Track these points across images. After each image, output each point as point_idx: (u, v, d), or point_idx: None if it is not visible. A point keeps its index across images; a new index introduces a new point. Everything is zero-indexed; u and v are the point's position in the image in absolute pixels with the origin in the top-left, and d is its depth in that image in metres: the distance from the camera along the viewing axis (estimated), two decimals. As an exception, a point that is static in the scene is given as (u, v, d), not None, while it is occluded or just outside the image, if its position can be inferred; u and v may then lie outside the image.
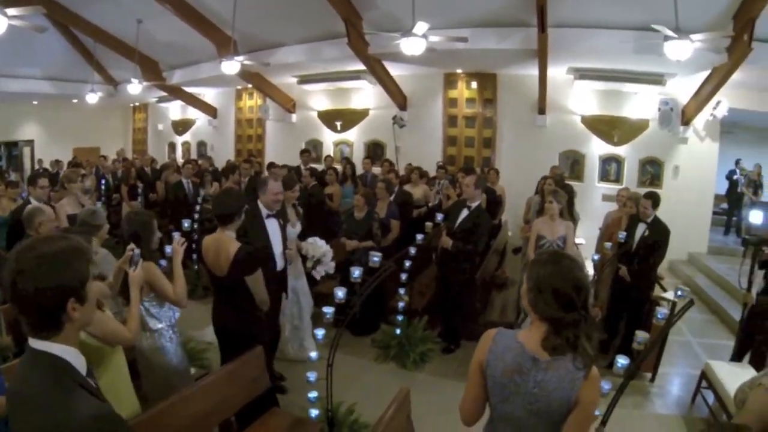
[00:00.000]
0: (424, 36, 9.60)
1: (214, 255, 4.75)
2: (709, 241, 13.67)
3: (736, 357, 6.50)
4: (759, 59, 10.21)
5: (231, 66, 11.72)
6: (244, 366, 4.55)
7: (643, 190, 11.33)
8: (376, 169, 12.32)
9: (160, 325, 4.37)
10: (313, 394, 4.80)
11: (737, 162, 15.67)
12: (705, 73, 11.64)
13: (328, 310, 5.00)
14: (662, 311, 4.13)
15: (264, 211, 5.96)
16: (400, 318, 7.18)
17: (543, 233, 6.98)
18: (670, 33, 8.83)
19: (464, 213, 7.16)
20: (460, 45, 10.44)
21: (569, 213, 7.72)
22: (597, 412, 3.87)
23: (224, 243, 4.71)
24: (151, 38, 14.59)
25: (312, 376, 4.80)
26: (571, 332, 2.40)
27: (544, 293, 2.43)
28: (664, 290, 7.33)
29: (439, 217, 7.41)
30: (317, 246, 6.61)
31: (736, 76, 10.99)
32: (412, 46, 9.72)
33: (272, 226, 6.02)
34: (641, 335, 4.10)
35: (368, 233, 7.75)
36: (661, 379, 7.20)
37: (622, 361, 4.13)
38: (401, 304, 7.09)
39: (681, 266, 12.83)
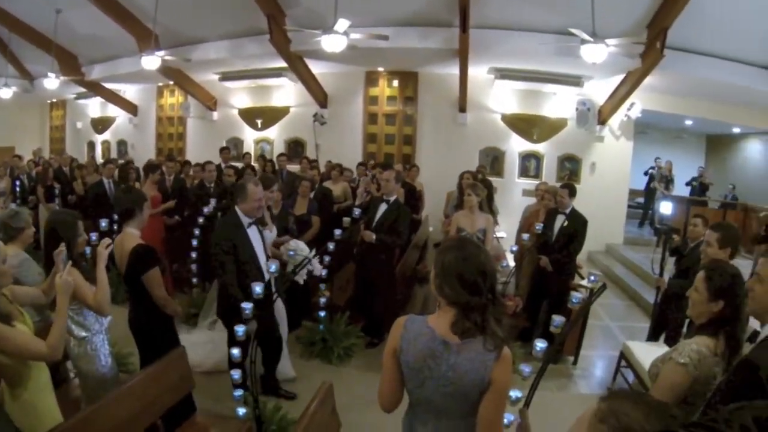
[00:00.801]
0: (345, 33, 9.59)
1: (119, 254, 4.56)
2: (625, 232, 14.41)
3: (652, 337, 6.88)
4: (670, 65, 10.92)
5: (151, 61, 11.40)
6: (166, 367, 4.34)
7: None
8: (294, 167, 12.20)
9: (84, 334, 4.10)
10: (238, 393, 4.67)
11: (656, 159, 16.43)
12: (620, 77, 12.30)
13: (247, 306, 4.94)
14: (577, 296, 4.22)
15: (245, 220, 5.43)
16: (322, 314, 7.12)
17: (462, 226, 7.01)
18: (586, 37, 9.15)
19: (383, 207, 7.16)
20: (382, 43, 10.49)
21: (488, 207, 7.83)
22: (519, 394, 3.96)
23: (125, 240, 4.53)
24: (70, 30, 13.81)
25: (236, 374, 4.66)
26: (479, 315, 2.45)
27: (450, 278, 2.48)
28: (582, 278, 7.58)
29: (357, 212, 7.42)
30: (300, 249, 6.22)
31: (649, 80, 11.69)
32: (333, 43, 9.67)
33: (254, 235, 5.52)
34: (557, 319, 4.18)
35: (284, 229, 7.71)
36: (584, 361, 7.48)
37: (540, 344, 4.19)
38: (323, 300, 7.01)
39: (599, 257, 13.44)
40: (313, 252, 6.25)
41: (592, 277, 4.37)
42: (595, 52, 9.38)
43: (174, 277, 8.94)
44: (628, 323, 9.27)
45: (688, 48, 11.37)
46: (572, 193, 7.43)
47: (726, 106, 14.07)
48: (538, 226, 7.23)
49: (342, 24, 9.41)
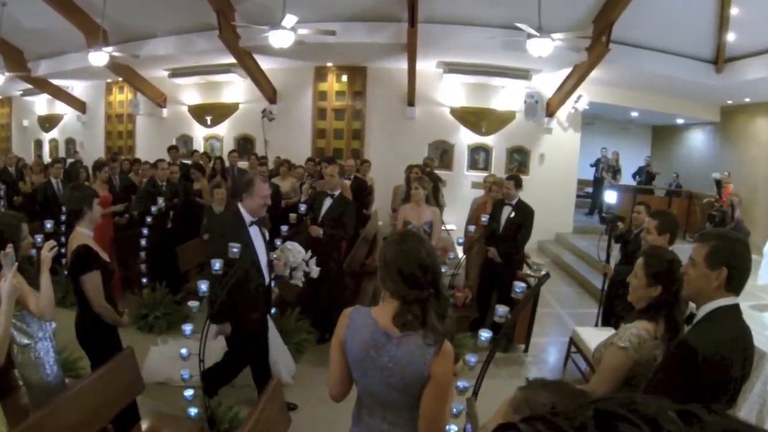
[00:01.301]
0: (293, 29, 9.58)
1: (69, 254, 4.37)
2: (575, 221, 14.75)
3: (601, 323, 7.05)
4: (615, 59, 11.24)
5: (99, 57, 11.14)
6: (115, 371, 4.20)
7: None
8: (244, 163, 12.12)
9: (27, 341, 3.90)
10: (189, 393, 4.60)
11: (602, 149, 16.84)
12: (567, 70, 12.59)
13: (194, 304, 4.89)
14: (520, 285, 4.30)
15: (247, 218, 4.99)
16: (272, 310, 7.15)
17: (409, 219, 7.03)
18: (532, 31, 9.34)
19: (328, 202, 7.13)
20: (330, 38, 10.45)
21: (435, 199, 7.90)
22: (467, 384, 4.03)
23: (73, 240, 4.35)
24: (16, 24, 13.21)
25: (186, 373, 4.63)
26: (419, 309, 2.48)
27: (391, 272, 2.51)
28: (531, 268, 7.69)
29: (303, 208, 7.42)
30: (296, 251, 6.05)
31: (595, 73, 12.00)
32: (281, 39, 9.64)
33: (256, 235, 5.12)
34: (501, 309, 4.26)
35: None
36: (535, 349, 7.63)
37: (484, 334, 4.27)
38: (273, 296, 7.06)
39: (549, 245, 13.69)
40: (309, 254, 6.19)
41: (535, 267, 4.46)
42: (540, 46, 9.63)
43: (124, 277, 8.73)
44: (578, 310, 9.43)
45: (632, 42, 11.76)
46: (518, 184, 7.50)
47: (670, 98, 14.64)
48: (484, 218, 7.30)
49: (290, 20, 9.38)
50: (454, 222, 10.97)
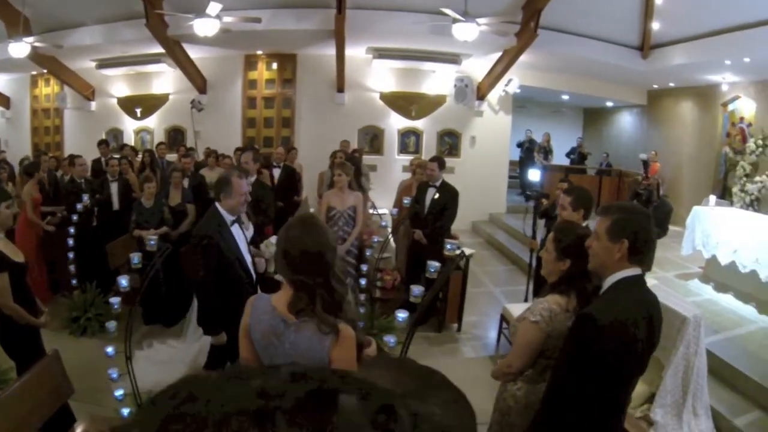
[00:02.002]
0: (218, 16, 9.47)
1: None
2: (508, 201, 15.05)
3: (532, 297, 7.13)
4: (544, 44, 11.55)
5: (20, 48, 10.50)
6: (40, 376, 3.99)
7: None
8: (174, 156, 11.86)
9: None
10: (119, 392, 4.53)
11: (527, 131, 17.39)
12: (497, 54, 12.76)
13: (114, 300, 4.81)
14: (434, 265, 4.33)
15: (228, 217, 4.70)
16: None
17: (333, 204, 7.04)
18: (457, 16, 9.40)
19: None
20: (258, 26, 10.35)
21: (357, 184, 7.92)
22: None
23: None
24: None
25: (114, 373, 4.53)
26: (307, 296, 2.49)
27: (279, 257, 2.55)
28: (447, 248, 7.77)
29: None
30: None
31: (526, 57, 12.26)
32: (206, 27, 9.53)
33: (238, 234, 4.85)
34: (416, 289, 4.29)
35: (161, 220, 7.58)
36: (468, 327, 7.79)
37: (401, 315, 4.30)
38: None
39: (483, 226, 13.97)
40: None
41: (449, 246, 4.47)
42: (466, 31, 9.74)
43: (54, 280, 8.48)
44: (511, 287, 9.62)
45: (561, 28, 12.14)
46: (441, 165, 7.54)
47: (599, 82, 15.20)
48: (406, 200, 7.36)
49: (214, 7, 9.26)
50: (386, 206, 11.00)
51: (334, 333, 2.45)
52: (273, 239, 5.73)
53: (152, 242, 5.72)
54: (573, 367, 2.52)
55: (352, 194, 7.19)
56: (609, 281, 2.63)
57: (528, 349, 3.09)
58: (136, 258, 5.00)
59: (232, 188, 4.65)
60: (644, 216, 2.65)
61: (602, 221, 2.64)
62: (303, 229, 2.53)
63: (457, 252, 4.48)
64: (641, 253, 2.57)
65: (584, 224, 4.28)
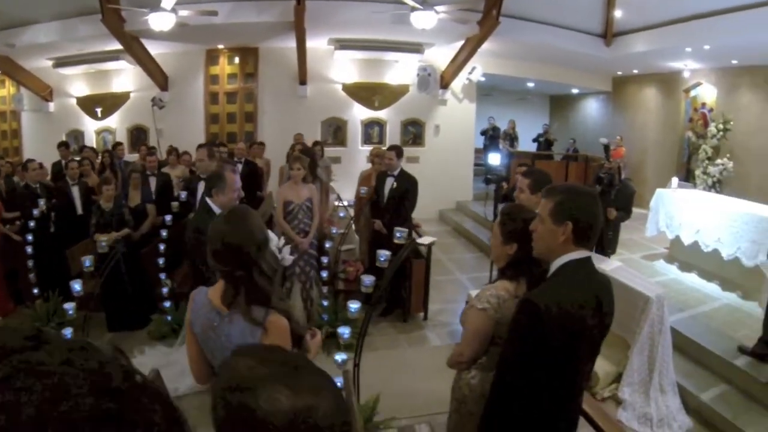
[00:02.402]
0: (173, 10, 9.33)
1: None
2: (474, 189, 15.09)
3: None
4: (506, 32, 11.56)
5: None
6: None
7: (406, 150, 12.16)
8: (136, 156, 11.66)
9: None
10: None
11: (489, 119, 17.50)
12: (460, 43, 12.72)
13: (69, 306, 4.71)
14: (384, 254, 4.26)
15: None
16: (167, 304, 6.96)
17: (290, 198, 6.94)
18: (415, 4, 9.37)
19: (201, 185, 7.00)
20: (217, 19, 10.25)
21: (313, 175, 7.86)
22: (344, 357, 3.99)
23: None
24: None
25: None
26: (233, 288, 2.51)
27: (208, 249, 2.54)
28: (420, 236, 7.73)
29: (183, 195, 7.28)
30: (269, 238, 5.64)
31: (489, 45, 12.26)
32: (161, 21, 9.40)
33: None
34: (367, 279, 4.24)
35: (121, 222, 7.45)
36: (435, 315, 7.83)
37: (353, 306, 4.25)
38: (165, 290, 6.85)
39: (450, 214, 14.08)
40: (282, 241, 5.91)
41: (398, 234, 4.41)
42: (424, 19, 9.78)
43: (15, 290, 8.14)
44: (478, 274, 9.61)
45: (523, 16, 12.21)
46: (399, 154, 7.51)
47: (564, 69, 15.40)
48: (363, 190, 7.32)
49: (169, 1, 9.12)
50: (350, 197, 10.97)
51: (260, 324, 2.46)
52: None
53: (103, 244, 5.59)
54: (518, 354, 2.47)
55: (306, 186, 7.10)
56: (555, 265, 2.55)
57: (477, 336, 3.05)
58: (87, 261, 4.89)
59: (226, 183, 4.55)
60: (589, 197, 2.57)
61: (546, 203, 2.57)
62: (226, 222, 2.56)
63: (408, 240, 4.37)
64: (587, 236, 2.51)
65: None
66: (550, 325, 2.31)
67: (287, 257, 5.60)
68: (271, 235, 5.79)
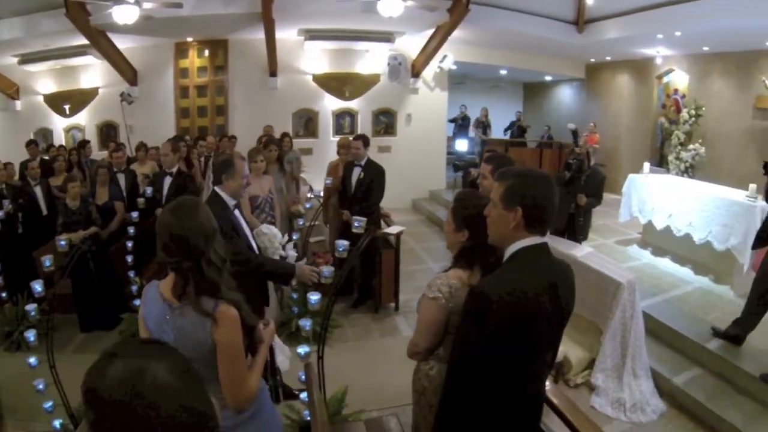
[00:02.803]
0: (137, 2, 9.19)
1: None
2: (447, 177, 15.14)
3: None
4: (477, 19, 11.61)
5: None
6: None
7: (378, 140, 12.16)
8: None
9: None
10: (48, 404, 4.36)
11: (461, 107, 17.31)
12: (431, 31, 12.69)
13: (31, 307, 4.62)
14: (342, 244, 4.20)
15: (229, 201, 4.52)
16: (137, 302, 6.82)
17: (255, 192, 6.86)
18: (381, -8, 9.34)
19: (167, 180, 7.07)
20: (186, 12, 10.16)
21: (281, 166, 7.83)
22: (307, 349, 3.93)
23: None
24: None
25: (40, 384, 4.37)
26: (182, 279, 2.49)
27: (158, 240, 2.53)
28: (389, 226, 7.72)
29: (148, 191, 7.19)
30: (272, 235, 5.39)
31: (460, 33, 12.31)
32: (125, 14, 9.22)
33: (240, 219, 4.64)
34: (326, 269, 4.19)
35: (88, 220, 7.34)
36: (407, 306, 7.75)
37: (313, 297, 4.21)
38: (135, 288, 6.72)
39: (423, 203, 14.13)
40: (286, 238, 5.76)
41: (356, 223, 4.36)
42: (391, 7, 9.77)
43: None
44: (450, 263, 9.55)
45: (494, 3, 12.22)
46: (366, 143, 7.48)
47: (537, 56, 15.50)
48: (327, 181, 7.30)
49: (131, -8, 9.00)
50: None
51: (209, 315, 2.45)
52: (264, 228, 5.43)
53: (62, 243, 5.48)
54: (469, 346, 2.37)
55: (266, 178, 7.08)
56: (508, 252, 2.45)
57: (430, 326, 2.99)
58: (47, 261, 4.79)
59: (235, 170, 4.52)
60: (541, 180, 2.45)
61: (498, 188, 2.48)
62: (173, 214, 2.51)
63: (368, 229, 4.31)
64: (539, 221, 2.39)
65: None
66: (501, 315, 2.21)
67: (291, 253, 5.55)
68: (274, 230, 5.75)
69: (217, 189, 4.57)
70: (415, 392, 3.23)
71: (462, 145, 10.60)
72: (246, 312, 2.59)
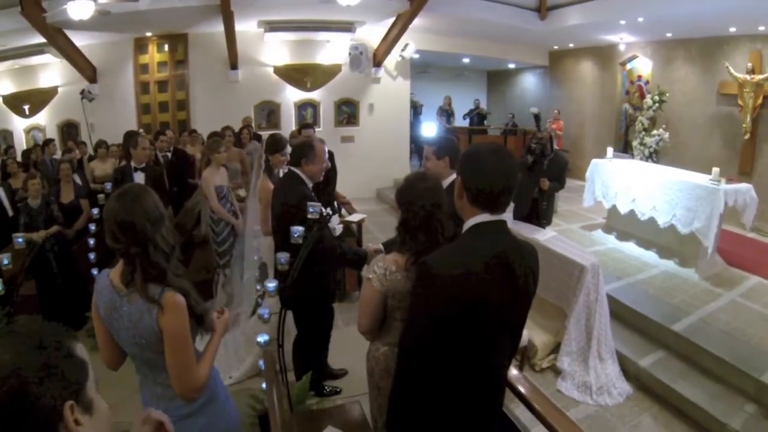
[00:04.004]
0: (92, -2, 9.10)
1: None
2: (412, 167, 15.10)
3: None
4: (438, 7, 11.67)
5: None
6: None
7: (340, 130, 12.06)
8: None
9: None
10: None
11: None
12: (392, 20, 12.71)
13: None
14: (297, 230, 4.16)
15: (308, 183, 4.75)
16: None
17: (218, 183, 6.95)
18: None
19: (137, 175, 6.94)
20: (142, 6, 10.22)
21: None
22: (266, 337, 3.89)
23: None
24: None
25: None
26: (129, 265, 2.48)
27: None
28: (350, 214, 7.74)
29: (108, 186, 7.12)
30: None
31: (422, 22, 12.38)
32: (81, 9, 9.16)
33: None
34: (282, 256, 4.15)
35: (50, 219, 7.22)
36: None
37: (270, 284, 4.17)
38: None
39: (387, 192, 14.03)
40: (329, 210, 5.63)
41: (311, 210, 4.32)
42: None
43: None
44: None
45: None
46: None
47: (500, 44, 15.59)
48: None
49: (86, -13, 8.88)
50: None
51: (155, 302, 2.44)
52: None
53: (19, 241, 5.38)
54: (416, 325, 2.36)
55: (223, 169, 7.14)
56: (464, 228, 2.43)
57: (368, 307, 3.03)
58: (5, 259, 4.69)
59: (315, 153, 4.72)
60: (479, 161, 2.39)
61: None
62: (117, 200, 2.51)
63: (317, 217, 4.29)
64: (485, 200, 2.33)
65: (452, 173, 4.19)
66: (441, 287, 2.19)
67: (337, 227, 5.51)
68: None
69: (296, 170, 4.74)
70: (367, 373, 3.26)
71: (429, 130, 10.74)
72: (194, 299, 2.58)
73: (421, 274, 2.29)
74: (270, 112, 13.95)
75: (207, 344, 2.76)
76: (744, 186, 7.98)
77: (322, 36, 13.59)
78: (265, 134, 11.72)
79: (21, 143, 13.54)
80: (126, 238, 2.44)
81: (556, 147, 8.20)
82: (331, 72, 14.01)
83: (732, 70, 11.05)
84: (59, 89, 13.78)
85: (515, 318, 2.45)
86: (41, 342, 1.27)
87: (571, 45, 15.68)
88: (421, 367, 2.31)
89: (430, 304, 2.24)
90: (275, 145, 5.98)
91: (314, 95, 14.07)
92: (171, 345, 2.46)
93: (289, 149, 5.79)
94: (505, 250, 2.31)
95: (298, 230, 4.14)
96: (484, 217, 2.34)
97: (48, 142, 11.48)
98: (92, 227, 6.69)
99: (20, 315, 4.79)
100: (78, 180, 8.44)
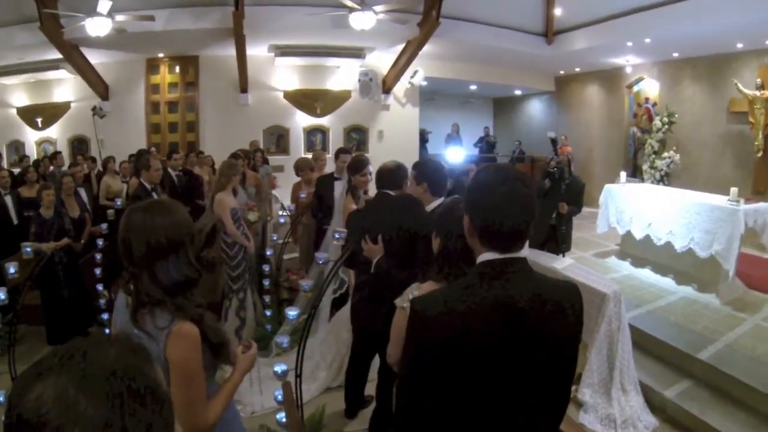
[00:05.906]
0: (110, 15, 9.22)
1: None
2: None
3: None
4: (447, 33, 11.68)
5: None
6: None
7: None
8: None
9: None
10: None
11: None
12: (401, 46, 12.82)
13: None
14: (322, 256, 4.23)
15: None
16: (106, 316, 6.76)
17: (233, 205, 6.89)
18: (353, 5, 9.40)
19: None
20: (158, 27, 10.29)
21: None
22: (285, 367, 3.84)
23: None
24: None
25: (0, 396, 4.07)
26: (132, 286, 2.27)
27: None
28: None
29: (118, 202, 7.20)
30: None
31: (431, 48, 12.38)
32: (98, 26, 9.29)
33: None
34: (305, 283, 4.19)
35: (62, 231, 7.30)
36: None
37: (291, 313, 4.18)
38: (103, 302, 6.61)
39: None
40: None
41: (336, 235, 4.33)
42: (363, 20, 9.95)
43: None
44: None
45: (464, 17, 12.29)
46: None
47: (506, 70, 15.59)
48: (302, 194, 7.29)
49: (104, 5, 9.01)
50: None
51: (161, 330, 2.20)
52: None
53: (28, 251, 5.42)
54: (410, 373, 2.05)
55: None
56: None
57: (399, 337, 2.72)
58: (12, 268, 4.71)
59: (366, 168, 5.58)
60: (489, 191, 1.96)
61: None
62: (125, 218, 2.31)
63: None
64: (489, 237, 1.94)
65: (434, 199, 4.09)
66: (433, 330, 1.86)
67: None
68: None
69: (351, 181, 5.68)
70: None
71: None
72: (210, 327, 2.33)
73: (411, 314, 1.95)
74: (279, 136, 14.04)
75: (226, 381, 2.46)
76: (763, 205, 7.79)
77: (332, 62, 13.70)
78: (274, 159, 11.90)
79: (32, 155, 13.60)
80: (130, 257, 2.24)
81: (573, 170, 8.17)
82: (340, 98, 14.13)
83: (741, 87, 10.91)
84: (72, 104, 13.99)
85: (536, 369, 1.93)
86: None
87: (578, 69, 15.71)
88: (422, 418, 1.98)
89: (423, 345, 1.91)
90: (357, 165, 5.99)
91: (323, 121, 14.17)
92: (177, 379, 2.17)
93: (370, 169, 5.76)
94: (513, 294, 1.87)
95: (322, 257, 4.21)
96: (489, 256, 1.96)
97: (56, 154, 11.59)
98: (100, 242, 6.76)
99: (21, 324, 4.84)
100: (83, 195, 8.50)
